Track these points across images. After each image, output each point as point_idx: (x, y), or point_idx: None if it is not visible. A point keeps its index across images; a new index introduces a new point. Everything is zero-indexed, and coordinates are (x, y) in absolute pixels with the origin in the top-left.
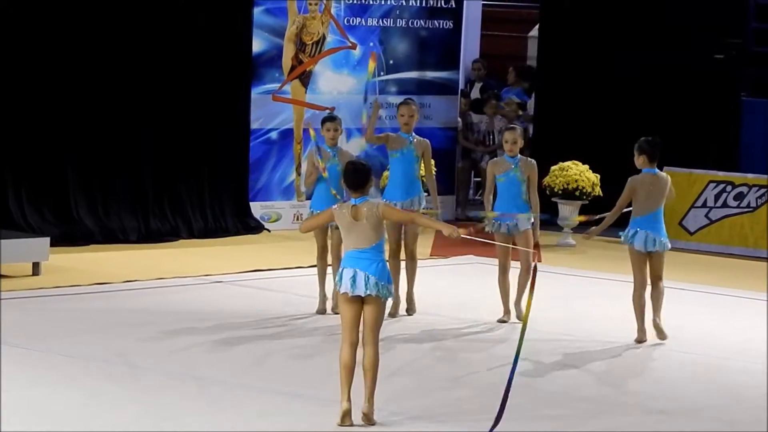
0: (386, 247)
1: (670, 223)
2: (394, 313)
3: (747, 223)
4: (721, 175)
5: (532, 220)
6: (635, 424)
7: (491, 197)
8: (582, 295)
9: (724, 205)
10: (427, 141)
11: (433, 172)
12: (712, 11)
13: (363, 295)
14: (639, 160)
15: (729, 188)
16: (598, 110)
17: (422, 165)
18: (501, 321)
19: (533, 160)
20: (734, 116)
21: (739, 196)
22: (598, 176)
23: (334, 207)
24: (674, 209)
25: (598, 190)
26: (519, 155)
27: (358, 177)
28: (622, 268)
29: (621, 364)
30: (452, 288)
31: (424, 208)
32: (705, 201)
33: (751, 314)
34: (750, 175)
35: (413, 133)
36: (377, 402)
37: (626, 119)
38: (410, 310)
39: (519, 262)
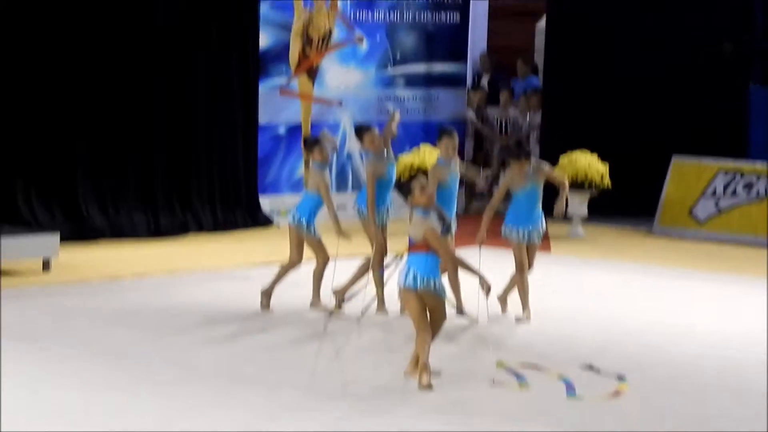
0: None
1: (680, 212)
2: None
3: (756, 212)
4: (731, 164)
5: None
6: (638, 417)
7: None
8: (589, 286)
9: (734, 194)
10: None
11: None
12: (720, 7)
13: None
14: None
15: (738, 177)
16: (606, 101)
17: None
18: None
19: (460, 160)
20: (743, 106)
21: (749, 185)
22: (607, 165)
23: None
24: (684, 198)
25: (607, 182)
26: (455, 156)
27: None
28: (631, 255)
29: (631, 357)
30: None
31: None
32: (714, 190)
33: (759, 302)
34: (759, 164)
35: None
36: None
37: (635, 110)
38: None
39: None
